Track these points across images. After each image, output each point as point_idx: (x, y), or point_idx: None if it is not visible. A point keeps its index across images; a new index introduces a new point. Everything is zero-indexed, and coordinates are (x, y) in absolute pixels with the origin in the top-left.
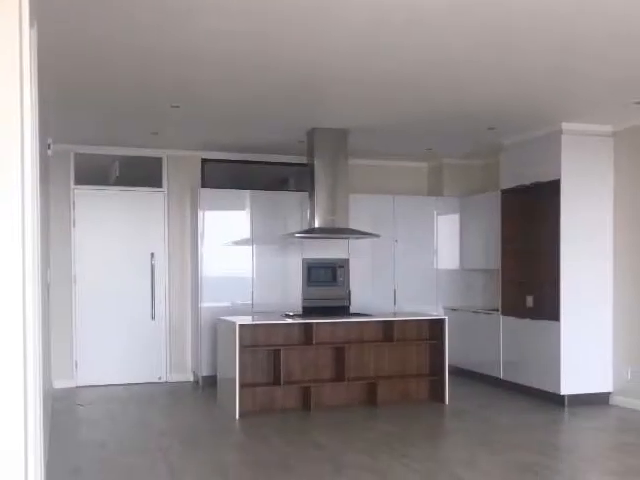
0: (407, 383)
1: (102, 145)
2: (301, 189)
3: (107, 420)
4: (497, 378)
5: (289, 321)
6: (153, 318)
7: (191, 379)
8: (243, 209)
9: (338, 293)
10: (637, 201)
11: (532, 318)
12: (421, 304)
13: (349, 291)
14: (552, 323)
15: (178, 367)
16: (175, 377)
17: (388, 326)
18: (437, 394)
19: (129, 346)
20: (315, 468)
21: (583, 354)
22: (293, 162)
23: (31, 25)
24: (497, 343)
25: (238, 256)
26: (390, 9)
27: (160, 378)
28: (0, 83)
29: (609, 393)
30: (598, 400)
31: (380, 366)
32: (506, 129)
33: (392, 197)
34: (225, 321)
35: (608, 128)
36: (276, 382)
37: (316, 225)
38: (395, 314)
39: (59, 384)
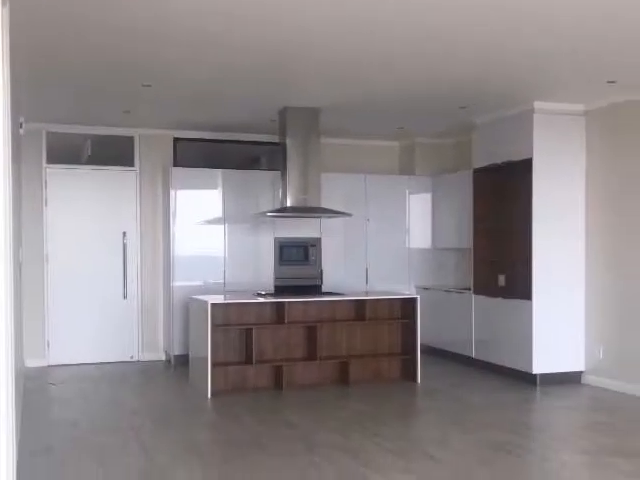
0: (379, 362)
1: (74, 124)
2: (273, 168)
3: (79, 399)
4: (469, 357)
5: (261, 300)
6: (125, 297)
7: (163, 358)
8: (215, 188)
9: (310, 272)
10: (609, 180)
11: (504, 297)
12: (393, 283)
13: (321, 270)
14: (524, 302)
15: (150, 346)
16: (147, 356)
17: (360, 305)
18: (409, 373)
19: (101, 325)
20: (287, 447)
21: (555, 333)
22: (265, 141)
23: (3, 4)
24: (469, 322)
25: (210, 235)
26: None
27: (132, 357)
28: None
29: (581, 372)
30: (570, 379)
31: (352, 345)
32: (478, 108)
33: (364, 176)
34: (197, 300)
35: (580, 107)
36: (248, 361)
37: (288, 204)
38: (367, 293)
39: (31, 363)
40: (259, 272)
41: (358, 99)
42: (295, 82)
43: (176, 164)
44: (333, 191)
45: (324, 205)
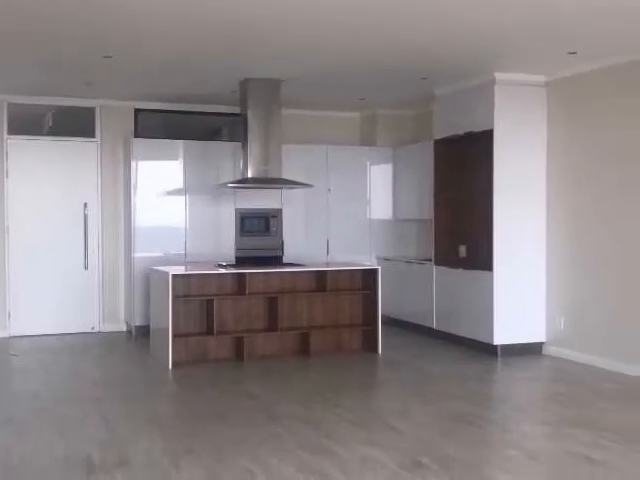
0: (340, 333)
1: (35, 95)
2: (234, 139)
3: (40, 370)
4: (430, 328)
5: (222, 271)
6: (86, 268)
7: (124, 329)
8: (176, 159)
9: (271, 243)
10: (570, 151)
11: (465, 268)
12: (354, 254)
13: (282, 241)
14: (485, 273)
15: (111, 317)
16: (108, 327)
17: (321, 276)
18: (370, 344)
19: (62, 296)
20: (248, 418)
21: (516, 304)
22: (226, 112)
23: None
24: (430, 293)
25: (171, 206)
26: None
27: (93, 328)
28: None
29: (542, 343)
30: (531, 350)
31: (313, 316)
32: (439, 79)
33: (325, 147)
34: (158, 271)
35: (541, 78)
36: (209, 332)
37: (249, 175)
38: (328, 264)
39: None
40: (220, 243)
41: (319, 70)
42: (255, 53)
43: (137, 135)
44: (294, 162)
45: (285, 176)
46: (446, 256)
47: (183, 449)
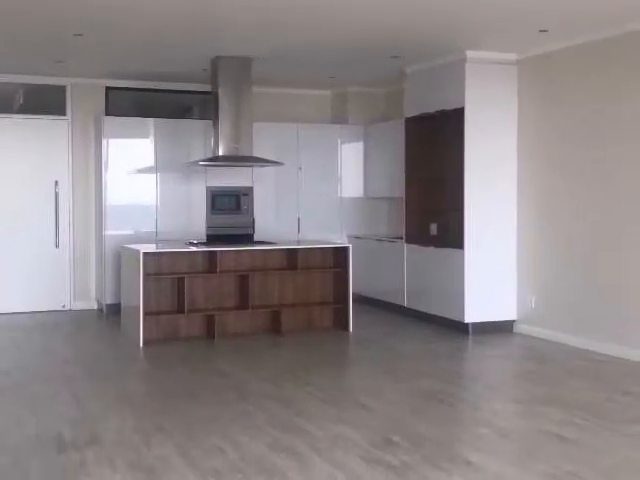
0: (311, 311)
1: (6, 73)
2: (205, 117)
3: (11, 348)
4: (401, 306)
5: (193, 249)
6: (57, 246)
7: (95, 307)
8: (147, 137)
9: (242, 221)
10: (541, 130)
11: (436, 246)
12: (325, 232)
13: (253, 219)
14: (456, 251)
15: (82, 295)
16: (79, 305)
17: (292, 254)
18: (341, 322)
19: (33, 274)
20: (219, 396)
21: (487, 282)
22: (197, 90)
23: None
24: (401, 271)
25: (142, 184)
26: None
27: (64, 306)
28: None
29: (513, 321)
30: (502, 328)
31: (284, 294)
32: (410, 57)
33: (296, 125)
34: (129, 249)
35: (512, 56)
36: (180, 310)
37: (220, 153)
38: (299, 242)
39: None
40: (191, 221)
41: (289, 48)
42: (225, 31)
43: (108, 113)
44: (265, 140)
45: (256, 154)
46: (417, 234)
47: (154, 427)
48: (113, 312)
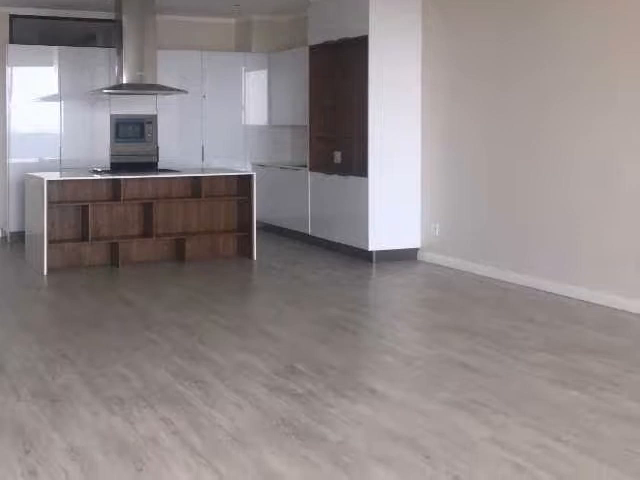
0: (215, 239)
1: None
2: (109, 45)
3: None
4: (305, 234)
5: (97, 177)
6: None
7: None
8: (51, 65)
9: (146, 149)
10: (444, 58)
11: (340, 174)
12: (229, 160)
13: (157, 147)
14: (360, 179)
15: None
16: None
17: (196, 182)
18: (245, 250)
19: None
20: (124, 324)
21: (391, 210)
22: (101, 18)
23: None
24: (305, 199)
25: (46, 112)
26: None
27: None
28: None
29: (417, 249)
30: (406, 256)
31: (188, 222)
32: None
33: (200, 53)
34: (33, 177)
35: None
36: (84, 238)
37: (124, 81)
38: (203, 170)
39: None
40: (95, 149)
41: None
42: None
43: (12, 41)
44: (169, 68)
45: (160, 82)
46: (321, 162)
47: (58, 355)
48: (17, 240)
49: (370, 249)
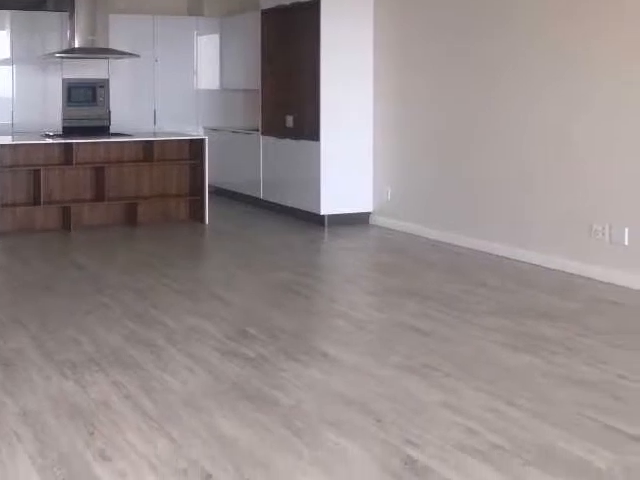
0: (167, 203)
1: None
2: (62, 9)
3: None
4: (257, 198)
5: (49, 141)
6: None
7: None
8: (3, 29)
9: (98, 113)
10: (395, 21)
11: (292, 138)
12: (181, 124)
13: (109, 111)
14: (312, 143)
15: None
16: None
17: (148, 146)
18: (197, 214)
19: None
20: (75, 288)
21: (343, 174)
22: None
23: None
24: (257, 163)
25: None
26: None
27: None
28: None
29: (369, 213)
30: (358, 220)
31: (140, 186)
32: None
33: (152, 17)
34: None
35: None
36: (36, 202)
37: (76, 45)
38: (155, 134)
39: None
40: (47, 113)
41: None
42: None
43: None
44: (121, 32)
45: (112, 46)
46: (273, 126)
47: (9, 319)
48: None
49: (322, 213)
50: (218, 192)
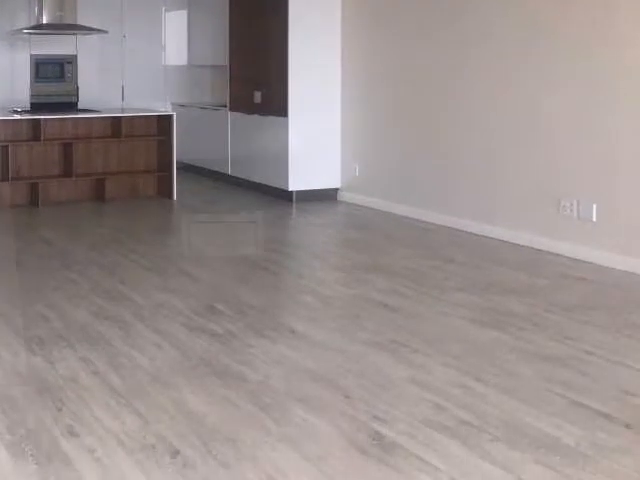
0: (135, 179)
1: None
2: None
3: None
4: (225, 174)
5: (17, 117)
6: None
7: None
8: None
9: (66, 89)
10: None
11: (260, 114)
12: (150, 100)
13: (77, 87)
14: (280, 119)
15: None
16: None
17: (116, 122)
18: (165, 190)
19: None
20: (43, 264)
21: (311, 150)
22: None
23: None
24: (225, 139)
25: None
26: None
27: None
28: None
29: (337, 189)
30: (326, 196)
31: (108, 162)
32: None
33: None
34: None
35: None
36: (4, 178)
37: (44, 21)
38: (123, 110)
39: None
40: (15, 89)
41: None
42: None
43: None
44: (89, 8)
45: (80, 22)
46: (241, 102)
47: None
48: None
49: (290, 189)
50: (186, 168)
